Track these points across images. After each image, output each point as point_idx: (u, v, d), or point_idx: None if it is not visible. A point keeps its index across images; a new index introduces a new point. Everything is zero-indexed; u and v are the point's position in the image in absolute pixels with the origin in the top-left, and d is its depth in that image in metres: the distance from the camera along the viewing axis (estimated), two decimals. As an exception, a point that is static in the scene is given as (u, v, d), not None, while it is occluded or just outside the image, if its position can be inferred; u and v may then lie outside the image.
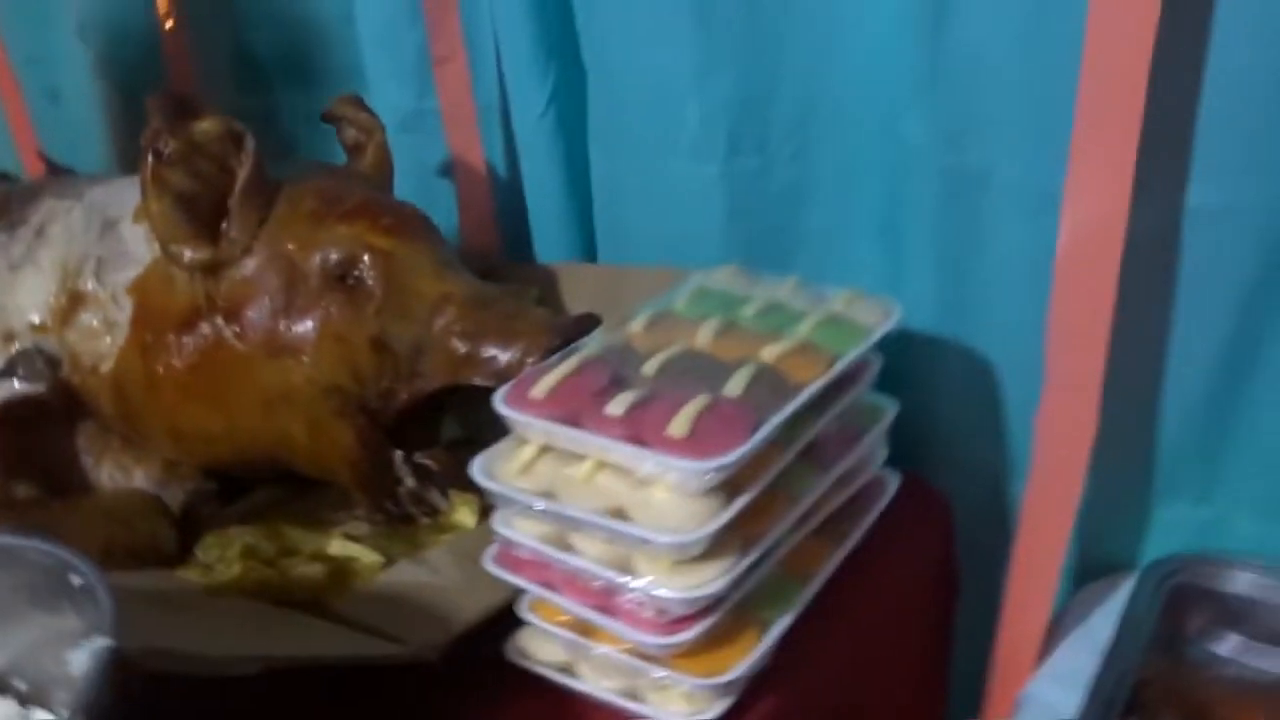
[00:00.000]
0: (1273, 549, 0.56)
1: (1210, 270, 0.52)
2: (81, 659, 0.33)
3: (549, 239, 0.75)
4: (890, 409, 0.55)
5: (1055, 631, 0.56)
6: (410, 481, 0.57)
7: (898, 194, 0.60)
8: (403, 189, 0.70)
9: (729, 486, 0.41)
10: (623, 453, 0.41)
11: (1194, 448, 0.57)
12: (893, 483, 0.57)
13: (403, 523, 0.57)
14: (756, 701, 0.47)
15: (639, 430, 0.41)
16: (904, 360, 0.64)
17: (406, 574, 0.52)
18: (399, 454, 0.57)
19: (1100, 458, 0.58)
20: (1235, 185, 0.50)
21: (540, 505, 0.43)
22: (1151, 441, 0.58)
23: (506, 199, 0.77)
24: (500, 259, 0.77)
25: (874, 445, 0.54)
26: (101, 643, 0.32)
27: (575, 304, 0.66)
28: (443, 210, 0.78)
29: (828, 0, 0.58)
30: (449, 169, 0.77)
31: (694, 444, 0.40)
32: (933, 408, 0.65)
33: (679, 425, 0.40)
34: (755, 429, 0.41)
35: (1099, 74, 0.46)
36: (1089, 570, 0.62)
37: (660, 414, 0.41)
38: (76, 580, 0.33)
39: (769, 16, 0.60)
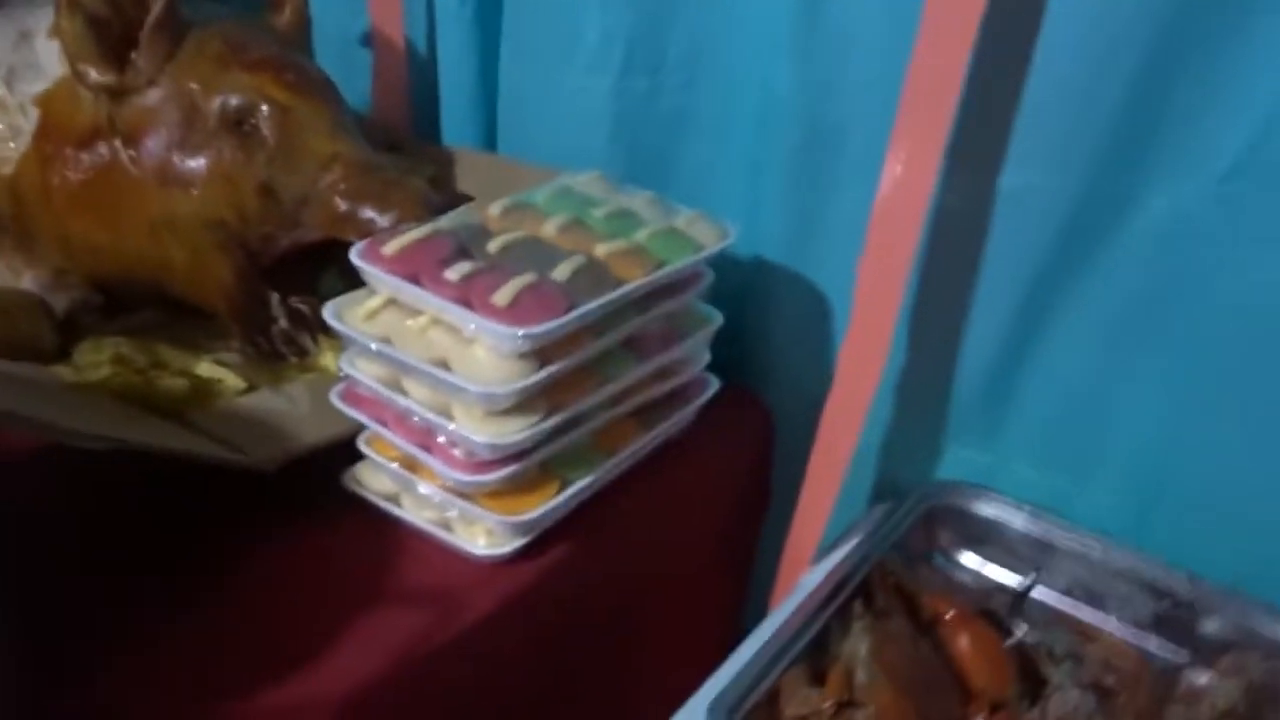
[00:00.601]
0: (1041, 494, 0.64)
1: (1011, 246, 0.59)
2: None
3: (455, 123, 0.78)
4: (716, 320, 0.61)
5: (843, 538, 0.65)
6: (284, 322, 0.62)
7: (764, 136, 0.66)
8: (324, 53, 0.72)
9: (541, 355, 0.47)
10: (452, 312, 0.47)
11: (981, 400, 0.65)
12: (712, 386, 0.63)
13: (272, 359, 0.62)
14: (551, 548, 0.54)
15: (468, 295, 0.47)
16: (753, 284, 0.72)
17: (265, 400, 0.58)
18: (275, 296, 0.62)
19: (901, 397, 0.67)
20: (1043, 175, 0.56)
21: (377, 348, 0.49)
22: (946, 390, 0.66)
23: (420, 79, 0.80)
24: (407, 134, 0.80)
25: (696, 348, 0.60)
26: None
27: (464, 187, 0.70)
28: (359, 79, 0.81)
29: None
30: (369, 40, 0.80)
31: (511, 313, 0.46)
32: (771, 330, 0.72)
33: (502, 296, 0.46)
34: (568, 310, 0.47)
35: (926, 59, 0.52)
36: (884, 493, 0.70)
37: (490, 284, 0.47)
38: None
39: None
